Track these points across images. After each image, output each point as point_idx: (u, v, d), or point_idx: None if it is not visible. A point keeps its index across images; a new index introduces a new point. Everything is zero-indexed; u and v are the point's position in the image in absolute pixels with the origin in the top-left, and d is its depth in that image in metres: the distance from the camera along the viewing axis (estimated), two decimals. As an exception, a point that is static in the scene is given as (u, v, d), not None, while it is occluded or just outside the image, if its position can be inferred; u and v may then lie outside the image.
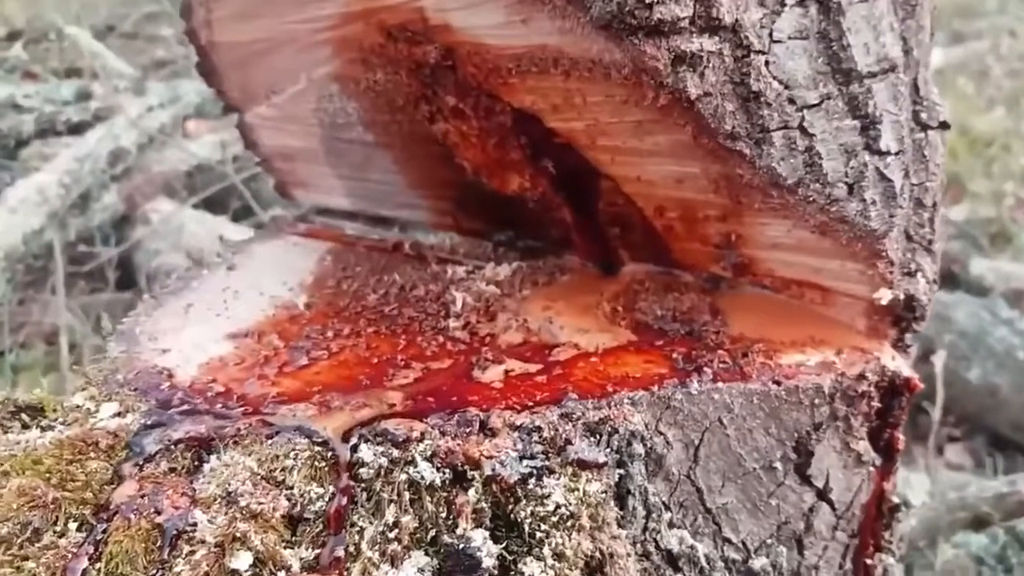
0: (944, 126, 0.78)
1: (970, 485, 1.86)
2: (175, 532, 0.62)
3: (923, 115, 0.76)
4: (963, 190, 4.54)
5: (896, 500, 0.84)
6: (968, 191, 4.51)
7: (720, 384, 0.71)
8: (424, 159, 0.93)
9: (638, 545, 0.69)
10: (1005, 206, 4.24)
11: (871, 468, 0.78)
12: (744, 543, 0.73)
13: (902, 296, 0.76)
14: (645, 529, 0.69)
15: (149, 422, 0.70)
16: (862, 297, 0.77)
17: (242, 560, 0.61)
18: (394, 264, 1.01)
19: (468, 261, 1.00)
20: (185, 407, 0.72)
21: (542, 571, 0.63)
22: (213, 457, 0.67)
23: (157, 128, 4.07)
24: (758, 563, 0.73)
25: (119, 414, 0.74)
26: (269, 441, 0.67)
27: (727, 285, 0.86)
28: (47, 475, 0.66)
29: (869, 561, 0.83)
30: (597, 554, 0.66)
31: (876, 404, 0.76)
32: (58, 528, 0.63)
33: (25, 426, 0.74)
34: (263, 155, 1.11)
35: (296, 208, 1.21)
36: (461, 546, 0.62)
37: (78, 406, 0.76)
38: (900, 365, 0.76)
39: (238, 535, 0.61)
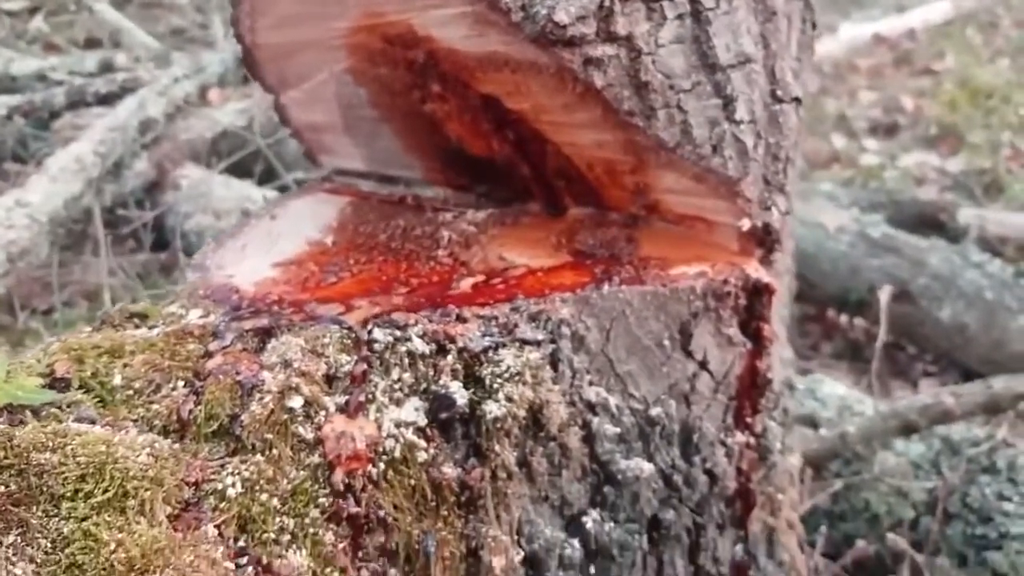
0: (796, 101, 1.06)
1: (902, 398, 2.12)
2: (250, 386, 0.84)
3: (778, 92, 1.02)
4: (961, 141, 4.66)
5: (769, 376, 1.12)
6: (966, 143, 4.62)
7: (624, 287, 0.96)
8: (417, 130, 1.18)
9: (567, 396, 0.91)
10: (1001, 156, 4.36)
11: (743, 349, 1.05)
12: (644, 398, 0.99)
13: (760, 224, 1.02)
14: (572, 386, 0.92)
15: (227, 319, 0.96)
16: (731, 225, 1.02)
17: (296, 401, 0.83)
18: (399, 212, 1.26)
19: (456, 209, 1.28)
20: (251, 309, 0.97)
21: (499, 408, 0.86)
22: (273, 340, 0.89)
23: (183, 98, 4.29)
24: (654, 411, 0.99)
25: (203, 315, 0.99)
26: (312, 328, 0.90)
27: (642, 221, 1.09)
28: (161, 352, 0.88)
29: (749, 420, 1.11)
30: (537, 400, 0.88)
31: (743, 302, 1.02)
32: (171, 385, 0.85)
33: (137, 327, 0.96)
34: (295, 128, 1.38)
35: (320, 171, 1.50)
36: (443, 392, 0.86)
37: (172, 312, 0.99)
38: (761, 274, 1.03)
39: (292, 386, 0.83)
